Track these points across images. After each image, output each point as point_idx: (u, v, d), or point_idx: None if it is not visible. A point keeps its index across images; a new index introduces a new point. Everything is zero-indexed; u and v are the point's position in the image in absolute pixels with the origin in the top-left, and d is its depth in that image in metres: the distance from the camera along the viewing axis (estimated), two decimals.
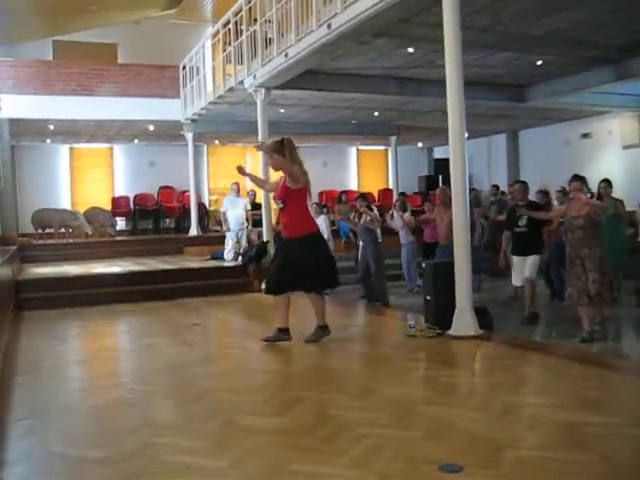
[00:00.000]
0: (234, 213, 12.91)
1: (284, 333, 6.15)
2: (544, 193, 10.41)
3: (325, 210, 13.50)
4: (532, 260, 8.34)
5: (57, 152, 18.03)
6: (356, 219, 10.68)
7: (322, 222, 11.93)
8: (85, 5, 15.23)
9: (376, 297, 10.14)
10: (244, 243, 12.52)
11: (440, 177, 18.67)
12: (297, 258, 5.98)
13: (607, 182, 9.12)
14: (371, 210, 10.55)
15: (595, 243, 6.99)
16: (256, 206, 13.03)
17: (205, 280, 10.57)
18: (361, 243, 10.66)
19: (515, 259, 8.51)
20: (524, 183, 8.94)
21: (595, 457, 3.14)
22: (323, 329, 6.20)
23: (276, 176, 6.64)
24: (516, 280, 8.59)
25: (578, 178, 7.33)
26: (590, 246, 6.97)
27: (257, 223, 12.49)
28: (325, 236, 11.80)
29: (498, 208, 13.34)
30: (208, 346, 6.64)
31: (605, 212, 7.84)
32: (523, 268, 8.36)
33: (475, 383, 4.97)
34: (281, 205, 6.09)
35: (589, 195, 8.63)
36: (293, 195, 5.98)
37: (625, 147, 15.29)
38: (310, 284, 6.08)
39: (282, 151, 5.94)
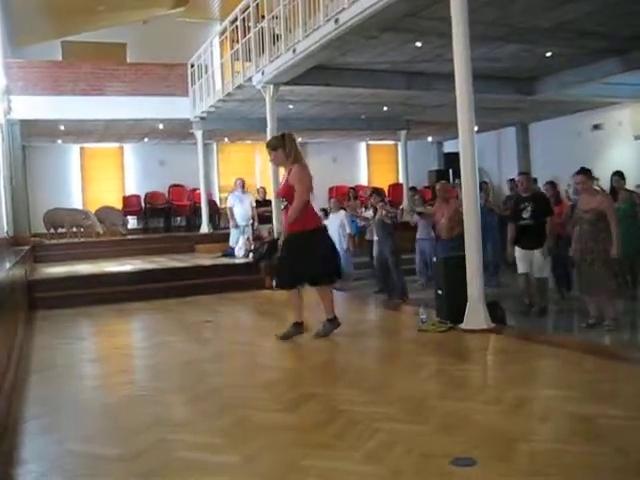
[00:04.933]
0: (242, 209, 12.93)
1: (298, 327, 6.21)
2: (552, 184, 10.41)
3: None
4: (540, 256, 8.24)
5: (68, 152, 18.14)
6: (370, 214, 10.70)
7: (342, 217, 11.98)
8: (93, 5, 15.29)
9: (397, 292, 10.19)
10: (250, 239, 12.54)
11: (450, 171, 18.63)
12: (298, 253, 5.99)
13: (619, 174, 9.08)
14: (385, 204, 10.59)
15: (603, 237, 7.07)
16: (266, 202, 13.03)
17: (216, 277, 10.58)
18: (376, 238, 10.67)
19: (518, 252, 8.39)
20: (527, 174, 9.00)
21: (610, 450, 3.12)
22: (332, 322, 6.19)
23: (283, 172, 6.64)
24: (522, 268, 8.45)
25: (582, 171, 7.34)
26: (596, 240, 7.08)
27: (267, 220, 12.51)
28: (347, 230, 11.90)
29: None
30: (220, 343, 6.65)
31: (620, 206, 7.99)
32: (528, 260, 8.28)
33: (488, 376, 4.96)
34: (285, 202, 6.07)
35: (597, 187, 8.66)
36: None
37: (636, 137, 15.17)
38: (312, 277, 6.10)
39: (283, 146, 6.03)
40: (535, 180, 14.54)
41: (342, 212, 12.14)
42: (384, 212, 10.26)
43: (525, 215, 8.23)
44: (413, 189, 15.73)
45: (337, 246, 11.73)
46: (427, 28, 8.55)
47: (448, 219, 9.44)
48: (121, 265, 11.94)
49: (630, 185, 9.39)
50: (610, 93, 13.28)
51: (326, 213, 13.54)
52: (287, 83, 10.97)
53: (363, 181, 20.66)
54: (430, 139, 21.13)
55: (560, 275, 9.80)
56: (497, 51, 10.05)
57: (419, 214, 11.36)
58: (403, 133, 17.53)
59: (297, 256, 6.00)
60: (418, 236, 12.14)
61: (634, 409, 3.75)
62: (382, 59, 10.47)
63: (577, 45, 10.02)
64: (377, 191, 11.23)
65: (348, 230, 11.91)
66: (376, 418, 3.74)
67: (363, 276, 12.41)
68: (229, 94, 12.75)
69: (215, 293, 9.72)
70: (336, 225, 11.95)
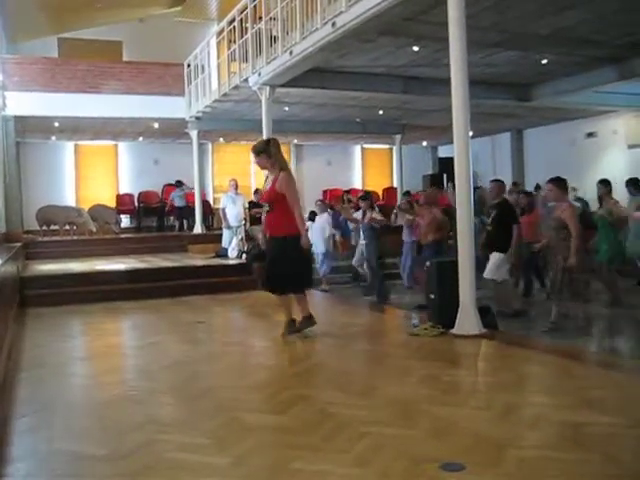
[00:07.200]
0: (234, 210, 12.95)
1: (293, 324, 6.33)
2: (526, 193, 10.57)
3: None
4: (492, 259, 8.24)
5: (62, 149, 18.09)
6: (359, 217, 10.73)
7: (325, 220, 11.98)
8: (91, 2, 15.27)
9: (378, 294, 10.18)
10: (244, 240, 12.54)
11: (445, 176, 18.62)
12: (276, 258, 6.17)
13: (604, 182, 9.19)
14: (373, 209, 10.62)
15: (562, 246, 7.20)
16: (261, 204, 13.04)
17: (209, 278, 10.57)
18: (363, 241, 10.68)
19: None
20: (500, 181, 9.05)
21: (598, 457, 3.13)
22: (308, 319, 6.33)
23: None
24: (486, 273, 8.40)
25: (552, 180, 7.52)
26: (557, 247, 7.29)
27: (261, 221, 12.49)
28: (327, 233, 11.90)
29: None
30: (212, 344, 6.65)
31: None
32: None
33: (478, 382, 4.97)
34: (268, 208, 6.18)
35: (573, 197, 8.94)
36: (281, 198, 6.07)
37: (630, 146, 15.25)
38: (285, 285, 6.21)
39: (267, 152, 6.17)
40: (538, 186, 14.59)
41: (325, 215, 12.16)
42: (374, 215, 10.34)
43: (488, 221, 8.50)
44: (407, 193, 15.74)
45: (321, 247, 11.90)
46: (424, 32, 8.56)
47: (426, 225, 9.55)
48: (114, 264, 11.91)
49: (623, 193, 9.39)
50: (605, 101, 13.34)
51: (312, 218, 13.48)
52: (283, 85, 10.97)
53: (357, 185, 20.67)
54: (425, 143, 21.16)
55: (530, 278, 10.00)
56: (494, 57, 10.07)
57: (401, 209, 11.48)
58: (398, 137, 17.55)
59: (273, 261, 6.20)
60: (403, 237, 12.17)
61: (624, 416, 3.76)
62: (379, 63, 10.48)
63: (573, 53, 10.06)
64: (365, 196, 11.26)
65: (327, 233, 11.94)
66: (365, 421, 3.74)
67: (351, 279, 12.46)
68: (225, 94, 12.73)
69: (208, 294, 9.71)
70: (321, 227, 11.99)
